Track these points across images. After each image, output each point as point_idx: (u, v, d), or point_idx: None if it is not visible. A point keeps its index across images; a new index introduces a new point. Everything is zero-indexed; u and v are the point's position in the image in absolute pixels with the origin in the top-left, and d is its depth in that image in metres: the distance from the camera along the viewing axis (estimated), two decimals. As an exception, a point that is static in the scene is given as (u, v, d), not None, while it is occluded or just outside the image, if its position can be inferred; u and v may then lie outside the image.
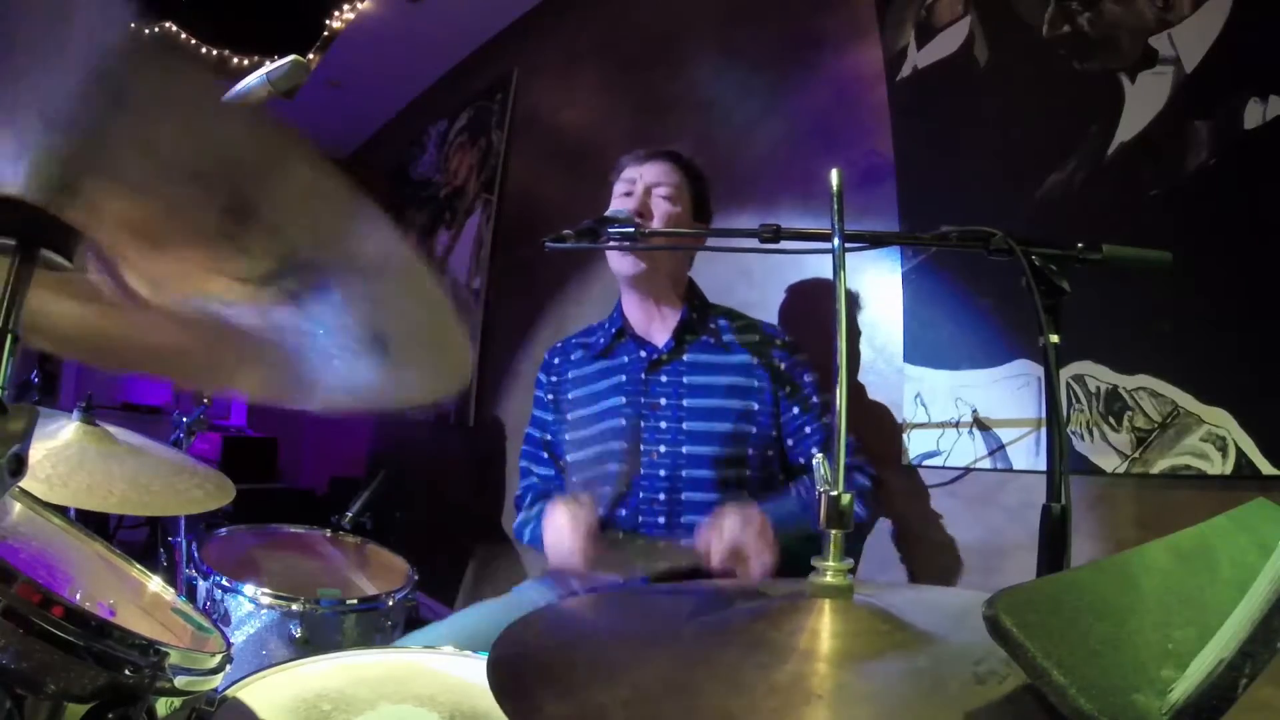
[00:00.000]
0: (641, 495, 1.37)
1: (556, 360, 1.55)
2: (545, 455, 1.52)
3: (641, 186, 1.41)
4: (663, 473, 1.36)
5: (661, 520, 1.35)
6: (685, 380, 1.39)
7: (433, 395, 0.68)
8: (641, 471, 1.37)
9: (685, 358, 1.41)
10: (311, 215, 0.48)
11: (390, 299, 0.55)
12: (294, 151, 0.42)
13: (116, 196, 0.50)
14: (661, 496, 1.36)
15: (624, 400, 1.41)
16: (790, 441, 1.39)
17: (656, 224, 1.38)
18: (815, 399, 1.39)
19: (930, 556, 1.48)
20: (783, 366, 1.39)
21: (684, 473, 1.36)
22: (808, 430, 1.37)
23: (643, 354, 1.43)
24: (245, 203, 0.47)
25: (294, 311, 0.57)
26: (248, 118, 0.41)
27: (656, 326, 1.45)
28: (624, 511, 1.38)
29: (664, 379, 1.40)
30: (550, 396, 1.52)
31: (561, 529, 1.22)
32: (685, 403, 1.38)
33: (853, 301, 1.66)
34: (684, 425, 1.36)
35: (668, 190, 1.41)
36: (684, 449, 1.36)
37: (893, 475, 1.54)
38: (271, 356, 0.69)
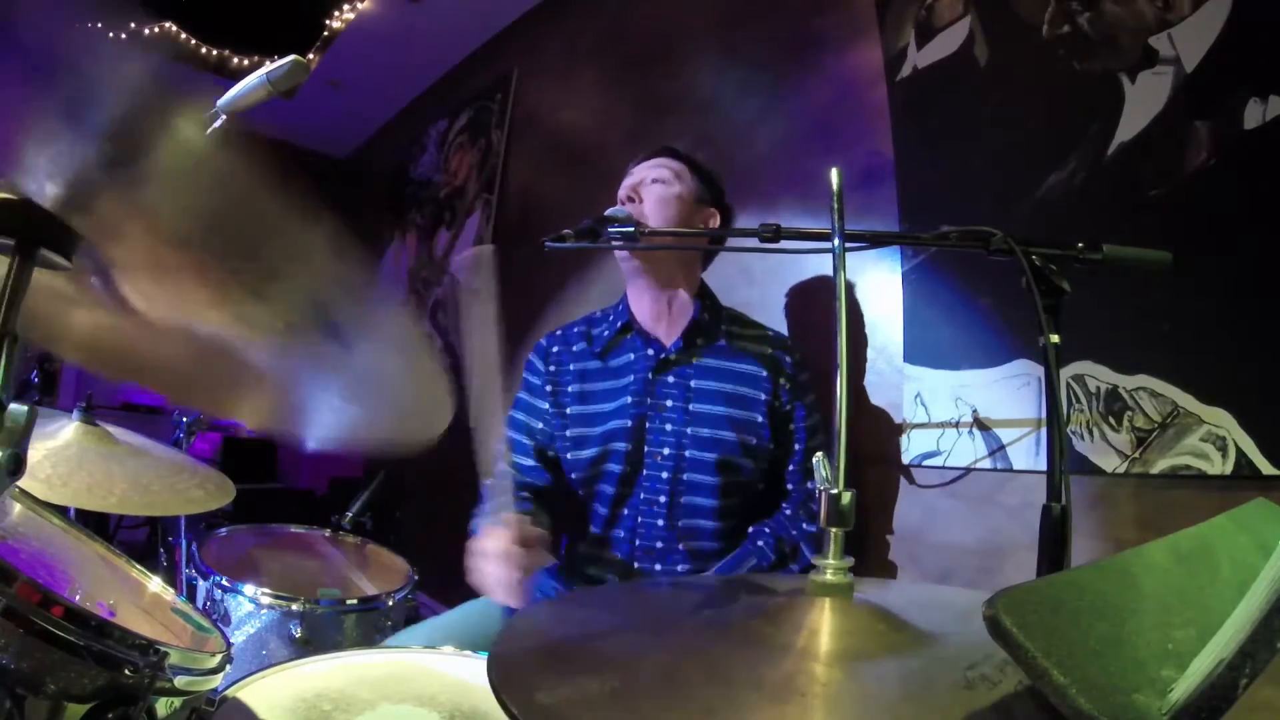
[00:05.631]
0: (642, 496, 1.36)
1: (556, 349, 1.48)
2: (528, 444, 1.45)
3: (636, 179, 1.42)
4: (664, 475, 1.35)
5: (661, 522, 1.35)
6: (692, 384, 1.38)
7: (418, 437, 0.69)
8: (645, 472, 1.37)
9: (694, 361, 1.39)
10: (322, 280, 0.51)
11: (383, 354, 0.58)
12: (312, 218, 0.43)
13: (133, 219, 0.50)
14: (662, 499, 1.35)
15: (630, 400, 1.39)
16: (788, 456, 1.40)
17: (649, 208, 1.37)
18: (809, 421, 1.39)
19: (930, 556, 1.48)
20: (787, 383, 1.38)
21: (685, 476, 1.35)
22: (796, 448, 1.38)
23: (650, 352, 1.41)
24: (260, 258, 0.49)
25: (289, 352, 0.59)
26: (266, 182, 0.42)
27: (664, 323, 1.43)
28: (625, 511, 1.38)
29: (671, 380, 1.38)
30: (549, 387, 1.45)
31: (488, 569, 1.09)
32: (691, 406, 1.36)
33: (855, 300, 1.66)
34: (688, 429, 1.35)
35: (664, 173, 1.41)
36: (687, 453, 1.35)
37: (893, 475, 1.54)
38: (269, 388, 0.69)
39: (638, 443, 1.37)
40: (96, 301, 0.64)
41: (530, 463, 1.45)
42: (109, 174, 0.45)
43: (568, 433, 1.43)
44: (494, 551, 1.09)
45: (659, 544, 1.35)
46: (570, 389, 1.45)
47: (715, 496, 1.35)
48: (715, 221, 1.46)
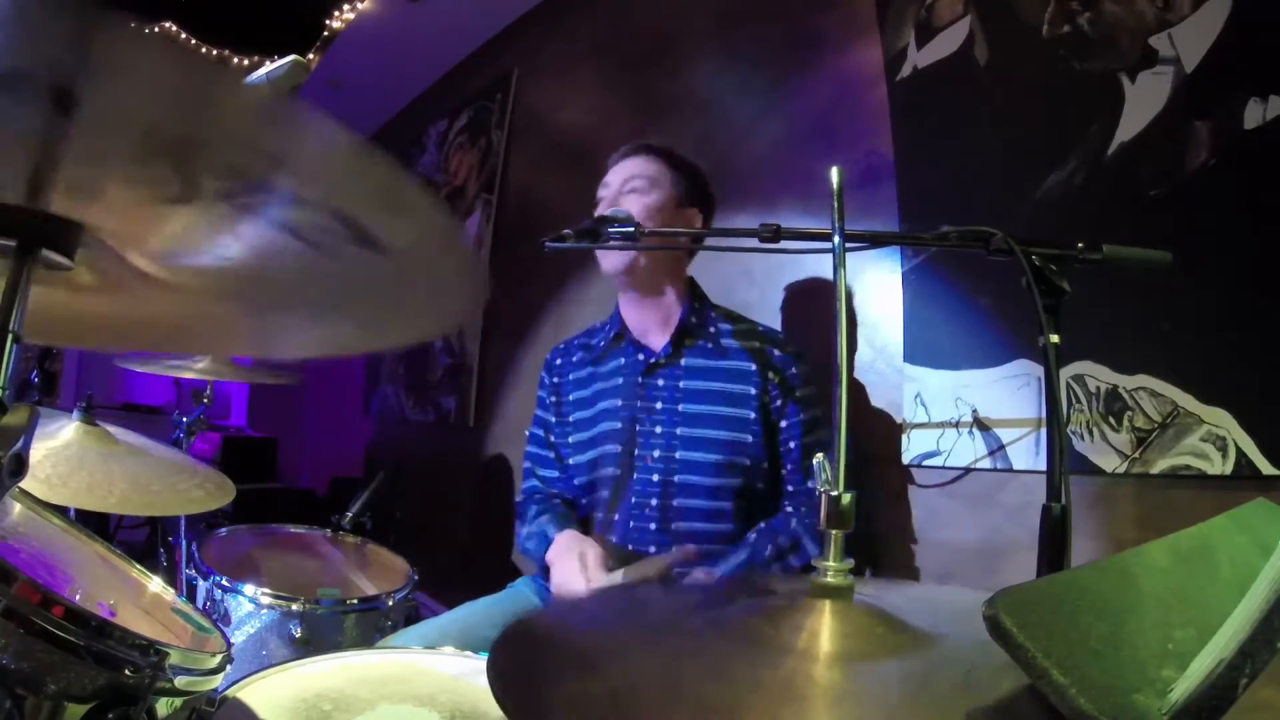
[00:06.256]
0: (634, 500, 1.36)
1: (558, 361, 1.54)
2: (549, 456, 1.51)
3: (613, 189, 1.42)
4: (656, 477, 1.35)
5: (654, 526, 1.35)
6: (681, 385, 1.38)
7: (451, 315, 0.65)
8: (635, 475, 1.37)
9: (682, 362, 1.40)
10: (253, 132, 0.45)
11: (361, 198, 0.50)
12: (220, 80, 0.40)
13: (103, 172, 0.49)
14: (654, 501, 1.35)
15: (620, 403, 1.40)
16: (783, 455, 1.38)
17: None
18: (804, 415, 1.37)
19: (930, 556, 1.48)
20: (777, 378, 1.37)
21: (677, 478, 1.35)
22: (791, 446, 1.37)
23: (640, 357, 1.42)
24: (189, 143, 0.45)
25: (270, 229, 0.54)
26: (173, 62, 0.38)
27: (653, 328, 1.45)
28: (617, 516, 1.38)
29: (660, 382, 1.39)
30: (553, 398, 1.52)
31: (571, 575, 1.21)
32: (680, 407, 1.37)
33: (853, 301, 1.66)
34: (678, 430, 1.36)
35: (639, 183, 1.40)
36: (677, 454, 1.35)
37: (893, 475, 1.54)
38: (278, 305, 0.68)
39: (628, 446, 1.37)
40: (112, 286, 0.64)
41: (555, 474, 1.50)
42: (55, 127, 0.42)
43: (569, 439, 1.47)
44: (572, 561, 1.22)
45: (653, 548, 1.35)
46: (570, 397, 1.49)
47: (709, 498, 1.34)
48: (698, 220, 1.46)
